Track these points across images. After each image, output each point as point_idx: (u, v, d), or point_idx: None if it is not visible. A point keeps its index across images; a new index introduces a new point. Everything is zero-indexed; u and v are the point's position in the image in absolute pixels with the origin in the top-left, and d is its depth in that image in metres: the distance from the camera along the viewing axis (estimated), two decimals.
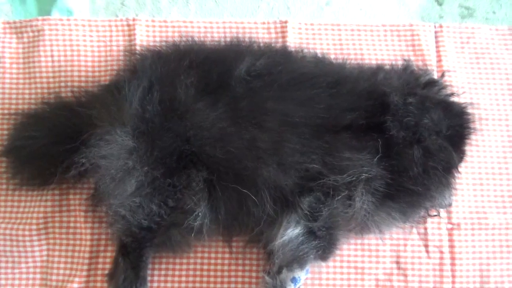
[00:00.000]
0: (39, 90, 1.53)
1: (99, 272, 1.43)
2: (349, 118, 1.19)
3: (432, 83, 1.33)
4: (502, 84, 1.58)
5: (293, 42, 1.56)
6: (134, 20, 1.57)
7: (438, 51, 1.59)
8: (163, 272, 1.43)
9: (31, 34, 1.56)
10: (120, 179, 1.20)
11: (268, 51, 1.31)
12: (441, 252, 1.44)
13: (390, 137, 1.18)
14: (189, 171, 1.22)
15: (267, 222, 1.22)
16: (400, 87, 1.23)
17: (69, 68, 1.54)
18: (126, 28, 1.58)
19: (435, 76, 1.49)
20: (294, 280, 1.25)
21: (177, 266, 1.44)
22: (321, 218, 1.17)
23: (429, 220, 1.47)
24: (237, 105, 1.22)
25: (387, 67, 1.38)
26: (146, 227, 1.24)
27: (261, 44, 1.35)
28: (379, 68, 1.34)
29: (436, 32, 1.61)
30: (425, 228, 1.46)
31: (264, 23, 1.60)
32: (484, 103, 1.57)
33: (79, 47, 1.56)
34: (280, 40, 1.58)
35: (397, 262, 1.44)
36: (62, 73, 1.54)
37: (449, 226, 1.48)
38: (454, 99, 1.34)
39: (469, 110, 1.32)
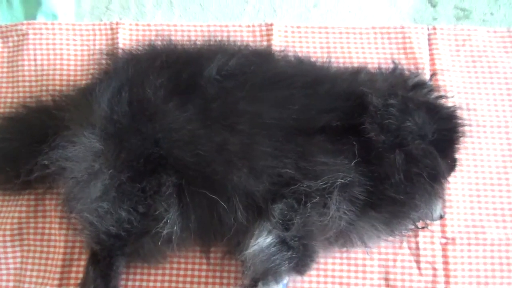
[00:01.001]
0: (21, 94, 1.42)
1: (72, 281, 1.28)
2: (325, 120, 1.04)
3: (420, 85, 1.17)
4: (501, 89, 1.41)
5: (278, 46, 1.42)
6: (117, 24, 1.47)
7: (431, 54, 1.43)
8: (137, 283, 1.30)
9: (16, 38, 1.48)
10: (84, 182, 1.08)
11: (242, 51, 1.19)
12: (434, 269, 1.26)
13: (369, 140, 1.03)
14: (158, 176, 1.09)
15: (241, 231, 1.09)
16: (382, 88, 1.09)
17: (51, 72, 1.43)
18: (109, 32, 1.47)
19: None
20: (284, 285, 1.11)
21: (152, 277, 1.28)
22: (293, 227, 1.01)
23: (420, 233, 1.30)
24: (208, 106, 1.09)
25: (374, 69, 1.25)
26: (115, 235, 1.11)
27: (237, 44, 1.24)
28: (360, 69, 1.20)
29: (429, 34, 1.45)
30: (417, 242, 1.29)
31: (249, 26, 1.47)
32: (482, 108, 1.39)
33: (62, 51, 1.45)
34: (265, 43, 1.44)
35: (386, 279, 1.26)
36: (44, 77, 1.43)
37: (443, 240, 1.29)
38: (444, 102, 1.19)
39: (459, 114, 1.17)
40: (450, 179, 1.24)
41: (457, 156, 1.15)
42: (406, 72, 1.19)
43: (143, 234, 1.10)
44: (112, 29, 1.45)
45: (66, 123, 1.14)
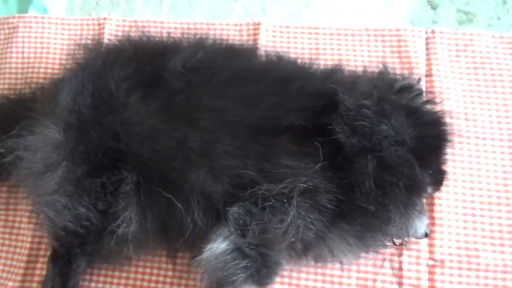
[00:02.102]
0: (6, 86, 1.40)
1: (36, 278, 1.19)
2: (291, 119, 0.92)
3: (406, 88, 1.02)
4: (505, 99, 1.23)
5: (265, 45, 1.33)
6: (104, 19, 1.40)
7: (428, 59, 1.27)
8: (100, 285, 1.20)
9: (7, 31, 1.43)
10: (40, 174, 1.00)
11: (212, 45, 1.09)
12: None
13: (339, 143, 0.90)
14: (118, 171, 0.99)
15: (199, 234, 0.97)
16: (360, 89, 0.95)
17: (36, 65, 1.37)
18: (96, 27, 1.40)
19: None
20: None
21: (115, 280, 1.18)
22: (249, 233, 0.89)
23: (405, 252, 1.13)
24: (172, 101, 0.98)
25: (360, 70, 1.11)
26: (73, 231, 1.01)
27: (213, 40, 1.13)
28: (339, 68, 1.07)
29: (427, 38, 1.29)
30: (400, 262, 1.12)
31: (236, 24, 1.36)
32: (482, 119, 1.22)
33: (49, 45, 1.39)
34: (251, 42, 1.35)
35: None
36: (30, 70, 1.36)
37: (430, 262, 1.12)
38: (431, 107, 1.03)
39: (447, 121, 1.01)
40: (442, 194, 1.08)
41: (443, 167, 0.99)
42: (394, 75, 1.05)
43: (103, 232, 1.00)
44: (99, 24, 1.38)
45: (35, 114, 1.07)
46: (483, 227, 1.09)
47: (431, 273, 1.06)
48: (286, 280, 1.09)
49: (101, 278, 1.15)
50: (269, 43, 1.28)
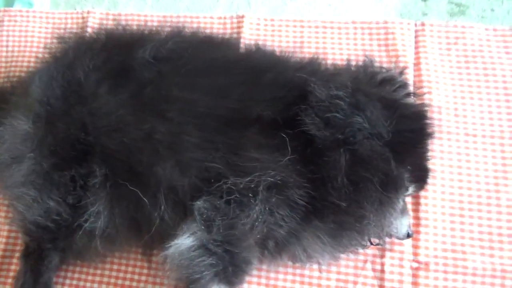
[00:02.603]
0: None
1: (11, 274, 1.17)
2: (261, 110, 0.87)
3: (388, 81, 0.96)
4: (498, 94, 1.15)
5: (248, 39, 1.27)
6: (88, 12, 1.37)
7: (417, 53, 1.21)
8: (74, 282, 1.16)
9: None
10: (7, 166, 0.97)
11: (182, 35, 1.04)
12: None
13: (309, 136, 0.84)
14: (87, 164, 0.96)
15: (166, 230, 0.92)
16: (332, 80, 0.89)
17: (20, 59, 1.34)
18: (80, 20, 1.38)
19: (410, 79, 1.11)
20: None
21: (90, 277, 1.15)
22: (214, 229, 0.84)
23: (387, 254, 1.06)
24: (141, 91, 0.94)
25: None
26: (43, 226, 0.97)
27: (185, 30, 1.08)
28: (314, 59, 1.01)
29: (416, 31, 1.22)
30: (382, 264, 1.05)
31: (220, 17, 1.31)
32: (473, 115, 1.14)
33: (33, 38, 1.36)
34: (235, 35, 1.30)
35: None
36: (13, 63, 1.35)
37: (415, 264, 1.05)
38: (413, 100, 0.97)
39: (429, 114, 0.94)
40: (428, 193, 1.01)
41: (426, 164, 0.92)
42: (377, 68, 0.99)
43: (74, 227, 0.96)
44: (83, 17, 1.35)
45: (8, 106, 1.04)
46: (471, 229, 1.01)
47: (414, 276, 0.99)
48: (263, 280, 1.04)
49: (76, 275, 1.11)
50: (253, 36, 1.23)
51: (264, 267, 1.02)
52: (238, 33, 1.22)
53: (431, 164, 1.00)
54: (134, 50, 0.91)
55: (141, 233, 0.91)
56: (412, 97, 0.92)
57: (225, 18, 1.26)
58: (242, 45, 1.04)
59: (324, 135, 0.78)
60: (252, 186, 0.78)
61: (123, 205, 0.90)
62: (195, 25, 1.25)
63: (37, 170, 0.93)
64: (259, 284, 1.03)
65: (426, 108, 0.89)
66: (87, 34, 1.08)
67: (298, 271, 1.03)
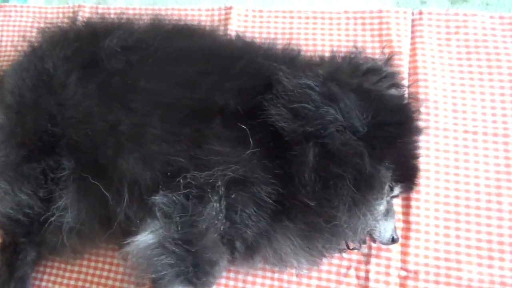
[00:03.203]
0: None
1: None
2: (226, 101, 0.80)
3: (372, 71, 0.88)
4: (503, 88, 1.03)
5: (236, 30, 1.21)
6: (79, 6, 1.36)
7: (413, 43, 1.10)
8: (52, 278, 1.13)
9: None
10: None
11: (152, 23, 0.99)
12: None
13: (276, 128, 0.76)
14: (57, 157, 0.93)
15: (129, 226, 0.87)
16: (306, 69, 0.81)
17: (12, 53, 1.37)
18: (71, 14, 1.36)
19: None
20: None
21: (67, 274, 1.11)
22: (173, 227, 0.78)
23: (373, 260, 0.97)
24: (109, 82, 0.89)
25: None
26: (15, 219, 0.94)
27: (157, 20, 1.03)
28: (290, 48, 0.93)
29: (413, 20, 1.12)
30: (367, 271, 0.96)
31: (208, 9, 1.25)
32: (474, 111, 1.03)
33: (26, 33, 1.38)
34: (222, 27, 1.24)
35: None
36: (6, 58, 1.37)
37: (403, 273, 0.94)
38: (398, 91, 0.87)
39: (413, 106, 0.85)
40: (420, 195, 0.92)
41: (413, 162, 0.82)
42: (363, 58, 0.90)
43: (47, 222, 0.92)
44: (74, 12, 1.33)
45: None
46: (468, 236, 0.90)
47: (402, 285, 0.89)
48: (240, 284, 0.96)
49: (54, 271, 1.08)
50: (240, 28, 1.16)
51: (242, 270, 0.94)
52: (226, 25, 1.16)
53: (422, 163, 0.90)
54: (101, 39, 0.87)
55: (107, 229, 0.86)
56: (397, 88, 0.82)
57: (213, 10, 1.20)
58: (221, 35, 0.96)
59: (291, 127, 0.71)
60: (211, 181, 0.71)
61: (88, 199, 0.86)
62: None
63: (7, 162, 0.90)
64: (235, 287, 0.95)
65: (412, 101, 0.79)
66: (64, 26, 1.03)
67: (276, 275, 0.95)
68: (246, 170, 0.71)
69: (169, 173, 0.75)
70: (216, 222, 0.72)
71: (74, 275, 1.06)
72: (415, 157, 0.83)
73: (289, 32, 1.13)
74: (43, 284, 1.05)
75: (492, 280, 0.86)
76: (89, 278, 1.05)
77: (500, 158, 0.93)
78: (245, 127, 0.69)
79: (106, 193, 0.79)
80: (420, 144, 0.91)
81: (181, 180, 0.73)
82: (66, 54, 0.89)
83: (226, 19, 1.17)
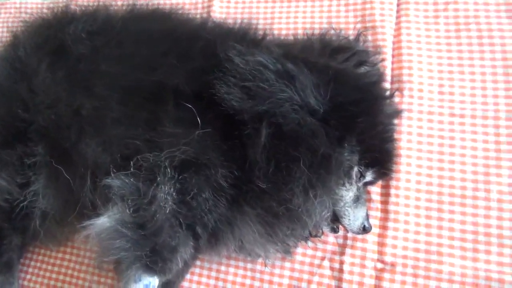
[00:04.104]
0: None
1: None
2: (180, 82, 0.77)
3: (341, 49, 0.83)
4: (495, 67, 0.94)
5: (219, 18, 1.19)
6: (72, 0, 1.40)
7: (398, 23, 1.02)
8: (38, 264, 1.14)
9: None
10: None
11: (116, 9, 0.98)
12: None
13: (227, 107, 0.73)
14: (28, 143, 0.94)
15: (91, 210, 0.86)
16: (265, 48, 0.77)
17: None
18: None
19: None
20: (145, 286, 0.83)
21: (51, 260, 1.12)
22: (126, 210, 0.76)
23: (348, 251, 0.91)
24: (76, 67, 0.90)
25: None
26: None
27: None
28: (252, 28, 0.89)
29: None
30: (341, 263, 0.90)
31: None
32: (463, 92, 0.94)
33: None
34: (205, 15, 1.22)
35: None
36: None
37: (379, 265, 0.88)
38: (367, 68, 0.81)
39: (382, 84, 0.78)
40: (400, 182, 0.86)
41: (386, 145, 0.76)
42: (335, 36, 0.85)
43: (23, 207, 0.94)
44: (66, 6, 1.35)
45: None
46: (451, 226, 0.83)
47: (378, 278, 0.83)
48: (213, 274, 0.93)
49: (40, 257, 1.09)
50: (223, 14, 1.13)
51: (210, 259, 0.91)
52: (209, 12, 1.14)
53: (403, 148, 0.84)
54: (67, 25, 0.87)
55: (73, 213, 0.86)
56: (367, 66, 0.76)
57: None
58: (186, 17, 0.94)
59: (243, 107, 0.67)
60: (160, 162, 0.68)
61: (55, 185, 0.86)
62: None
63: None
64: (209, 277, 0.93)
65: (379, 78, 0.74)
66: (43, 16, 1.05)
67: (249, 265, 0.91)
68: (197, 152, 0.68)
69: (122, 156, 0.73)
70: (166, 205, 0.69)
71: (58, 262, 1.06)
72: (388, 140, 0.77)
73: (271, 16, 1.08)
74: (30, 270, 1.05)
75: (476, 275, 0.78)
76: (71, 265, 1.05)
77: (490, 143, 0.85)
78: (191, 107, 0.66)
79: (68, 177, 0.78)
80: (397, 127, 0.85)
81: (132, 162, 0.70)
82: (37, 42, 0.90)
83: (209, 6, 1.15)
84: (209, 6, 1.15)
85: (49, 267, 1.06)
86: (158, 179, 0.69)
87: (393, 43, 0.96)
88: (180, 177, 0.69)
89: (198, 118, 0.67)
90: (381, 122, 0.74)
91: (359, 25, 0.95)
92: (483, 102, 0.88)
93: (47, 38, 0.91)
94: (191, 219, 0.74)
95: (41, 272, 1.05)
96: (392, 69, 0.93)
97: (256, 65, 0.68)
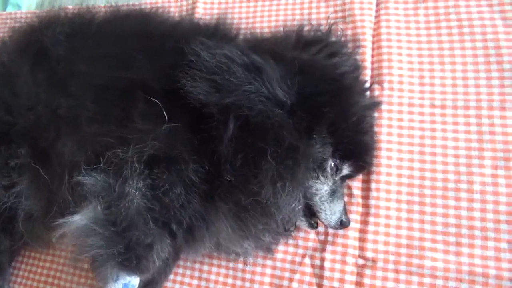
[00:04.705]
0: None
1: None
2: (149, 79, 0.77)
3: (314, 41, 0.82)
4: (476, 56, 0.90)
5: (202, 18, 1.19)
6: (65, 9, 1.42)
7: (377, 16, 1.01)
8: (28, 268, 1.14)
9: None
10: None
11: (94, 10, 0.99)
12: None
13: (191, 101, 0.72)
14: (11, 145, 0.95)
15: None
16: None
17: None
18: None
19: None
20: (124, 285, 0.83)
21: (41, 264, 1.14)
22: (99, 207, 0.76)
23: (328, 247, 0.89)
24: (55, 69, 0.92)
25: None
26: None
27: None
28: (222, 23, 0.89)
29: None
30: (322, 259, 0.88)
31: (176, 0, 1.27)
32: (443, 83, 0.92)
33: None
34: (190, 16, 1.23)
35: None
36: None
37: (360, 261, 0.86)
38: (339, 61, 0.79)
39: (353, 75, 0.77)
40: (381, 176, 0.84)
41: (362, 137, 0.75)
42: (310, 29, 0.85)
43: (6, 209, 0.95)
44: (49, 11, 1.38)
45: None
46: (434, 220, 0.81)
47: (359, 274, 0.81)
48: (196, 273, 0.92)
49: (30, 261, 1.10)
50: (206, 16, 1.13)
51: (190, 258, 0.90)
52: (193, 13, 1.14)
53: (383, 141, 0.82)
54: (47, 29, 0.89)
55: (50, 213, 0.86)
56: (338, 57, 0.75)
57: (181, 1, 1.19)
58: (162, 16, 0.95)
59: (210, 100, 0.67)
60: (128, 158, 0.68)
61: (36, 185, 0.86)
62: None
63: None
64: (192, 277, 0.93)
65: (353, 69, 0.72)
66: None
67: (231, 264, 0.90)
68: (166, 147, 0.68)
69: (96, 153, 0.73)
70: (135, 200, 0.68)
71: (47, 264, 1.06)
72: (363, 132, 0.75)
73: (253, 15, 1.08)
74: (20, 273, 1.06)
75: (460, 269, 0.75)
76: (60, 267, 1.05)
77: (472, 133, 0.82)
78: (158, 102, 0.66)
79: (46, 177, 0.79)
80: (376, 119, 0.83)
81: (102, 159, 0.70)
82: (20, 47, 0.92)
83: (193, 8, 1.15)
84: (193, 8, 1.16)
85: (39, 270, 1.08)
86: (127, 174, 0.68)
87: (373, 36, 0.95)
88: (150, 173, 0.69)
89: (164, 113, 0.66)
90: (355, 113, 0.73)
91: (332, 15, 0.94)
92: (465, 92, 0.85)
93: (29, 42, 0.92)
94: (165, 215, 0.74)
95: (31, 275, 1.06)
96: (372, 62, 0.92)
97: (222, 58, 0.67)
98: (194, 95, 0.67)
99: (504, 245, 0.75)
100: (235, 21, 1.11)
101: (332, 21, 0.84)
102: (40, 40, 0.91)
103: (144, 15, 0.90)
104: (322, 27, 0.84)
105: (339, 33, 0.83)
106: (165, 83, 0.70)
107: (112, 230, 0.71)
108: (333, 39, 0.79)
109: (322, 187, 0.75)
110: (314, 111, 0.68)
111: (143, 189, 0.69)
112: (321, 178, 0.74)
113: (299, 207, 0.71)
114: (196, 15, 1.14)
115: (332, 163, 0.75)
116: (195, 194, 0.71)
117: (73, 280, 1.02)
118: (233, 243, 0.77)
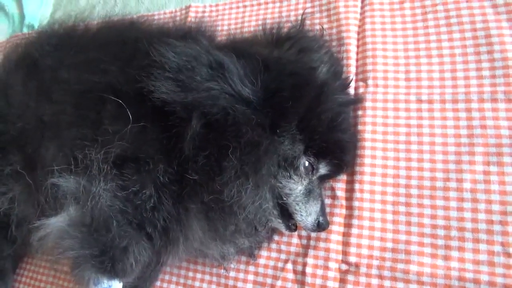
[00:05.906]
0: None
1: None
2: (117, 81, 0.78)
3: (287, 39, 0.80)
4: (465, 47, 0.84)
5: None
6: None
7: (362, 13, 0.98)
8: (30, 274, 1.17)
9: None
10: None
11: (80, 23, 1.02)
12: None
13: (155, 100, 0.71)
14: (5, 153, 0.99)
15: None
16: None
17: None
18: None
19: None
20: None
21: (41, 270, 1.15)
22: (71, 209, 0.76)
23: (310, 252, 0.84)
24: (43, 78, 0.95)
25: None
26: None
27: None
28: (201, 27, 0.89)
29: None
30: (304, 264, 0.83)
31: (171, 12, 1.27)
32: (430, 77, 0.86)
33: None
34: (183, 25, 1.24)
35: None
36: None
37: (343, 267, 0.80)
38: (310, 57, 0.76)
39: (325, 71, 0.73)
40: (365, 176, 0.80)
41: (335, 134, 0.71)
42: (284, 28, 0.83)
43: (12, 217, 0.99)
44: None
45: None
46: (421, 222, 0.75)
47: (342, 281, 0.76)
48: (181, 280, 0.91)
49: (32, 267, 1.12)
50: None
51: (184, 265, 0.89)
52: (186, 22, 1.16)
53: (367, 139, 0.78)
54: (36, 42, 0.92)
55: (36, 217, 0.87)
56: (309, 52, 0.73)
57: (175, 11, 1.21)
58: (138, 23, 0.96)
59: (174, 98, 0.66)
60: (95, 159, 0.68)
61: (29, 190, 0.89)
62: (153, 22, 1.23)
63: None
64: (177, 284, 0.91)
65: (324, 64, 0.70)
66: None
67: (215, 270, 0.88)
68: (132, 146, 0.67)
69: (73, 156, 0.74)
70: (103, 200, 0.68)
71: (52, 272, 1.08)
72: (338, 129, 0.72)
73: (241, 21, 1.08)
74: (23, 279, 1.08)
75: (449, 274, 0.68)
76: (62, 275, 1.06)
77: (462, 129, 0.76)
78: (121, 102, 0.66)
79: (30, 181, 0.81)
80: (359, 117, 0.79)
81: (73, 161, 0.71)
82: (15, 60, 0.96)
83: (186, 17, 1.16)
84: (186, 17, 1.17)
85: (44, 278, 1.08)
86: (94, 174, 0.68)
87: (357, 32, 0.92)
88: (120, 174, 0.68)
89: (129, 113, 0.66)
90: (328, 109, 0.69)
91: (308, 10, 0.91)
92: (453, 84, 0.80)
93: (22, 55, 0.96)
94: (138, 217, 0.73)
95: (32, 282, 1.07)
96: (357, 60, 0.88)
97: (186, 57, 0.66)
98: (158, 94, 0.67)
99: (497, 248, 0.67)
100: (225, 27, 1.11)
101: (304, 16, 0.81)
102: (31, 52, 0.94)
103: (129, 23, 0.92)
104: (297, 24, 0.81)
105: (316, 27, 0.80)
106: (134, 85, 0.70)
107: (85, 232, 0.71)
108: (306, 34, 0.76)
109: (296, 186, 0.71)
110: (278, 106, 0.65)
111: (114, 190, 0.68)
112: (294, 177, 0.70)
113: (266, 205, 0.67)
114: (189, 24, 1.15)
115: (306, 162, 0.72)
116: (166, 195, 0.70)
117: None
118: (206, 246, 0.74)
